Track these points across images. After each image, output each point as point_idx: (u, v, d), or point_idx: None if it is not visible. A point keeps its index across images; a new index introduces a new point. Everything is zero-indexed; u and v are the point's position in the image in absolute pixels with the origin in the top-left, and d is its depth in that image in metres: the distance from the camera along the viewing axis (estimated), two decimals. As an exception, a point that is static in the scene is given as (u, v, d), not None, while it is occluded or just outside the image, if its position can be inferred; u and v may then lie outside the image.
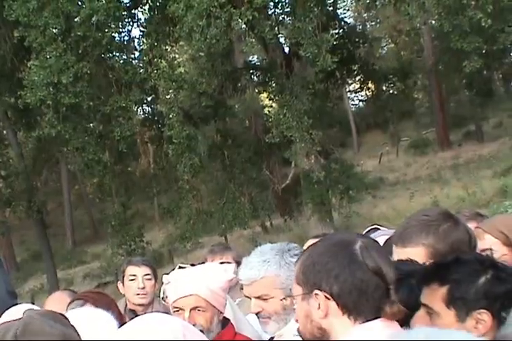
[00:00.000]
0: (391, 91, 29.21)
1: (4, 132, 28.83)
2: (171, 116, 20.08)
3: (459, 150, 35.23)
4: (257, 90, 26.37)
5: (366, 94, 38.22)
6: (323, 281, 2.01)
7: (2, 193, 27.59)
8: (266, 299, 2.92)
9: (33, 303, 24.11)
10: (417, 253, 2.58)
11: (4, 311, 3.42)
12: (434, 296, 2.18)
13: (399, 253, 2.64)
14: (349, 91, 41.97)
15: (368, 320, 1.99)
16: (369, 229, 4.75)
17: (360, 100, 52.35)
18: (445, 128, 36.98)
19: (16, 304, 3.84)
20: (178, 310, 3.00)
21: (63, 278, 31.99)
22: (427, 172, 31.69)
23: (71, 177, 41.05)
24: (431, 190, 24.49)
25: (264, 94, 26.43)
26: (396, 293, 2.01)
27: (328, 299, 2.01)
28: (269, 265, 2.92)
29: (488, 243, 3.27)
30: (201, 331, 2.79)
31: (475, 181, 23.51)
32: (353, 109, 50.53)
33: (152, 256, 27.80)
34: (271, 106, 28.30)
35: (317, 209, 20.86)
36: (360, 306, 1.99)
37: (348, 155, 35.59)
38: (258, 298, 2.95)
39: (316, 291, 2.03)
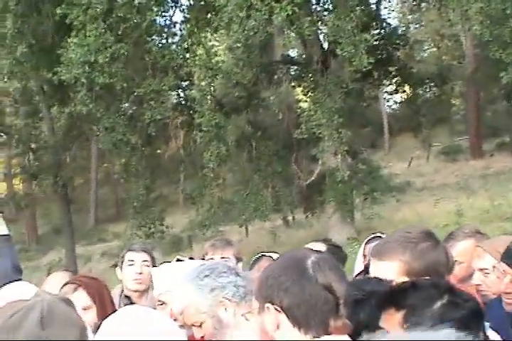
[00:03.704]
0: (427, 96, 28.93)
1: (40, 105, 29.05)
2: (203, 103, 20.11)
3: (490, 160, 34.86)
4: (292, 84, 26.31)
5: (401, 96, 37.92)
6: (274, 295, 2.06)
7: (30, 166, 27.90)
8: (200, 325, 2.80)
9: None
10: (392, 267, 2.55)
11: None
12: (391, 321, 2.14)
13: (374, 266, 2.63)
14: (386, 92, 41.69)
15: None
16: (371, 237, 4.76)
17: (395, 102, 51.96)
18: (479, 136, 36.63)
19: (20, 279, 3.91)
20: (161, 304, 3.02)
21: (82, 254, 32.27)
22: (455, 180, 31.36)
23: (100, 155, 41.33)
24: (456, 199, 24.18)
25: (299, 89, 26.36)
26: (346, 307, 2.03)
27: (279, 312, 2.05)
28: (186, 293, 2.82)
29: (487, 263, 3.27)
30: (181, 326, 2.83)
31: (502, 193, 23.21)
32: (388, 111, 50.19)
33: (171, 241, 27.95)
34: (305, 101, 28.19)
35: (339, 208, 20.80)
36: (309, 320, 2.02)
37: (378, 156, 35.41)
38: (193, 325, 2.85)
39: (268, 304, 2.07)
